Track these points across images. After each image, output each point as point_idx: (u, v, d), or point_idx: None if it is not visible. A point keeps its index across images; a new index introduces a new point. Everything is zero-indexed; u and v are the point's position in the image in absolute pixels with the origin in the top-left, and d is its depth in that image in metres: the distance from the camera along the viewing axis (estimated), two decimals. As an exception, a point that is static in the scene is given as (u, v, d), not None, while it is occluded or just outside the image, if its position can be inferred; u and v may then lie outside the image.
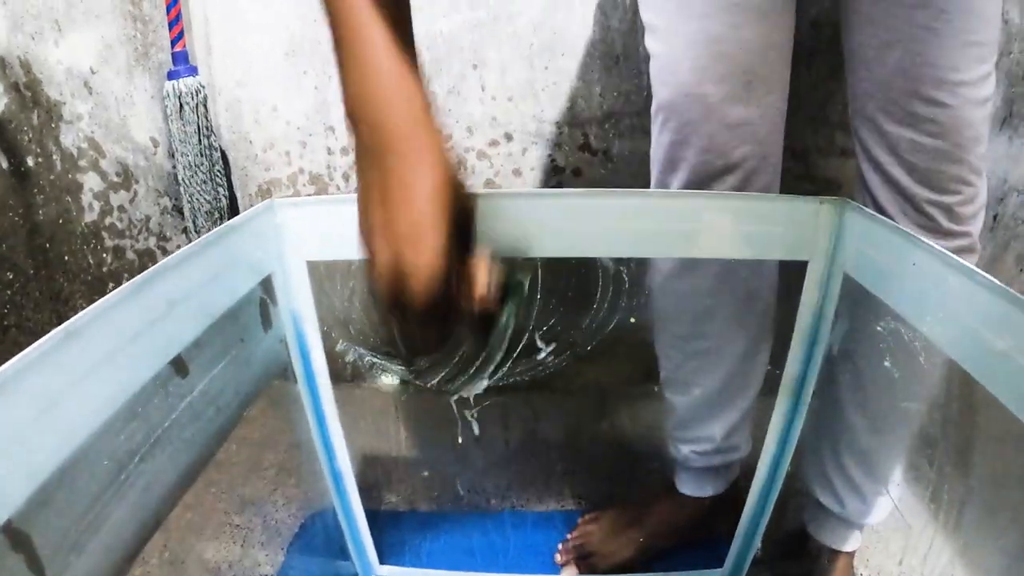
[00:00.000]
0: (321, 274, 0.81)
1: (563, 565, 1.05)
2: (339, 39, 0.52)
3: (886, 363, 0.77)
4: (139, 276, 0.51)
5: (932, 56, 0.70)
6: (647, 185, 1.27)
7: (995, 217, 1.26)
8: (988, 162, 0.77)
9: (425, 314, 0.53)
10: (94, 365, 0.47)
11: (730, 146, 0.79)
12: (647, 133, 1.24)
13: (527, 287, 0.67)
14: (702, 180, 0.81)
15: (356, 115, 0.52)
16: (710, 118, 0.77)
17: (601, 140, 1.27)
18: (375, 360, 0.86)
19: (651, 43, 0.82)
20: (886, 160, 0.76)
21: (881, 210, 0.78)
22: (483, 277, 0.56)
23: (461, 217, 0.54)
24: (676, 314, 0.93)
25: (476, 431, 0.98)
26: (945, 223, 0.76)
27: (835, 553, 0.97)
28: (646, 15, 0.82)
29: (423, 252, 0.51)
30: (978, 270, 0.53)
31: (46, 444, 0.43)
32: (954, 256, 0.55)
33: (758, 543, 0.95)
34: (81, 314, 0.45)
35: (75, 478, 0.47)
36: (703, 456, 1.00)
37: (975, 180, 0.76)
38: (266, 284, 0.74)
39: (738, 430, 0.98)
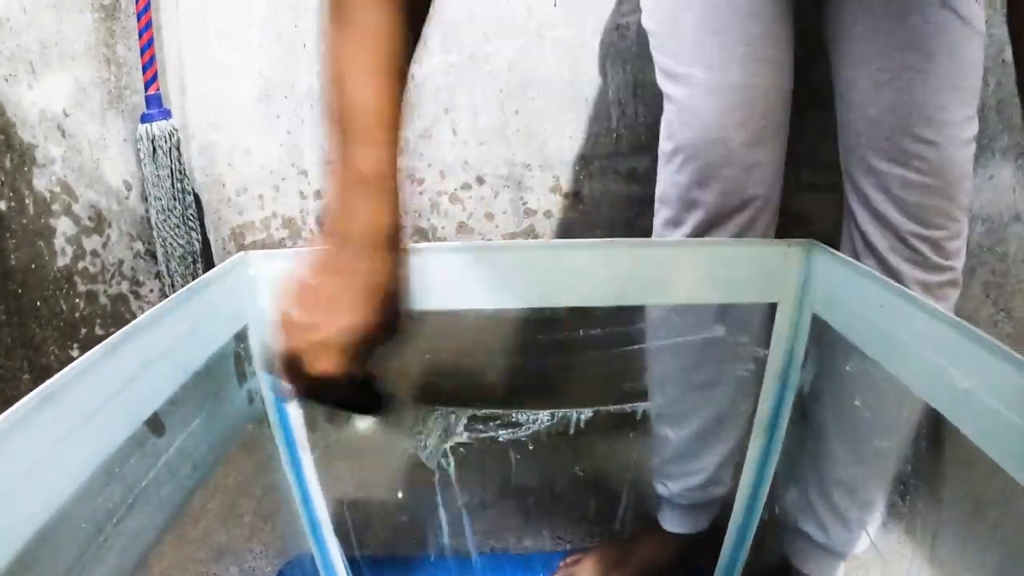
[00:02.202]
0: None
1: (545, 607, 1.04)
2: (351, 155, 0.55)
3: (856, 401, 0.79)
4: (113, 336, 0.51)
5: (921, 96, 0.73)
6: (619, 225, 1.29)
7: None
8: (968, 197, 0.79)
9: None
10: (70, 428, 0.46)
11: (745, 187, 0.81)
12: (618, 175, 1.27)
13: None
14: (717, 218, 0.83)
15: (344, 225, 0.56)
16: (731, 161, 0.80)
17: (572, 182, 1.28)
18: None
19: (669, 87, 0.83)
20: (876, 197, 0.79)
21: (870, 246, 0.81)
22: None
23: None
24: (676, 347, 0.94)
25: (452, 475, 0.98)
26: (932, 257, 0.79)
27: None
28: (663, 60, 0.84)
29: (335, 355, 0.54)
30: (942, 310, 0.54)
31: (25, 509, 0.43)
32: (921, 296, 0.57)
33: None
34: (56, 377, 0.45)
35: (55, 541, 0.47)
36: (692, 492, 1.00)
37: (961, 216, 0.78)
38: (240, 336, 0.74)
39: (727, 463, 0.99)
